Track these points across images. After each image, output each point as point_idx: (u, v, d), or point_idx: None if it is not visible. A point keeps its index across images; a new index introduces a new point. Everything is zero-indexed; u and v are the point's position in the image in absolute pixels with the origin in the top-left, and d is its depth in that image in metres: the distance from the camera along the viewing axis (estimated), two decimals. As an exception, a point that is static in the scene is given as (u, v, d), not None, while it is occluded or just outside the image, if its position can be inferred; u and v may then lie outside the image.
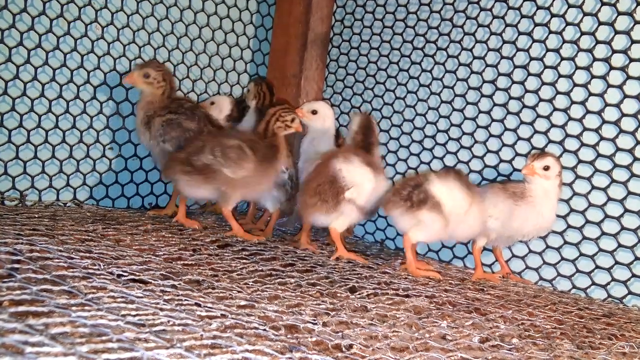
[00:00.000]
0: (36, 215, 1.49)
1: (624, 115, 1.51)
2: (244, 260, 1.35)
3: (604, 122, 1.54)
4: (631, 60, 1.50)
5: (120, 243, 1.32)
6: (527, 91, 1.69)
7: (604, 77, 1.55)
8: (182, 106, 1.72)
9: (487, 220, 1.53)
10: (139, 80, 1.67)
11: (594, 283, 1.56)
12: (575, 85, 1.60)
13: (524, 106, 1.70)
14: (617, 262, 1.52)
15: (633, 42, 1.49)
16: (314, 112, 1.76)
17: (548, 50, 1.65)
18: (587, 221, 1.57)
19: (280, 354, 0.80)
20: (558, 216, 1.61)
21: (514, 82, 1.72)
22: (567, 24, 1.61)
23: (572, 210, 1.60)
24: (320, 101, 1.96)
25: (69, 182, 1.79)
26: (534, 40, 1.68)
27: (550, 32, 1.64)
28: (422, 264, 1.61)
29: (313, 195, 1.54)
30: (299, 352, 0.82)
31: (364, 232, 2.09)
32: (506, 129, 1.74)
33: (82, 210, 1.72)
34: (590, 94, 1.57)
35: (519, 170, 1.70)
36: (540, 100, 1.67)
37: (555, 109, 1.64)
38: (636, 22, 1.49)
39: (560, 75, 1.63)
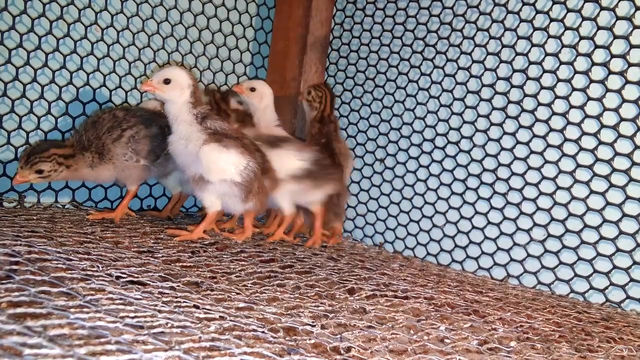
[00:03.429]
0: (35, 217, 1.49)
1: (622, 119, 1.51)
2: (243, 262, 1.35)
3: (603, 126, 1.55)
4: (630, 65, 1.50)
5: (119, 245, 1.32)
6: (525, 95, 1.70)
7: (602, 82, 1.55)
8: (125, 118, 1.65)
9: None
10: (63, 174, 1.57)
11: (592, 287, 1.56)
12: (573, 89, 1.61)
13: (523, 110, 1.70)
14: (615, 267, 1.52)
15: (632, 46, 1.50)
16: (252, 90, 1.82)
17: (547, 54, 1.66)
18: (586, 225, 1.57)
19: (278, 357, 0.80)
20: (557, 220, 1.62)
21: (512, 86, 1.73)
22: (566, 28, 1.62)
23: (570, 214, 1.60)
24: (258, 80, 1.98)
25: (68, 184, 1.79)
26: (533, 45, 1.68)
27: (550, 36, 1.65)
28: None
29: None
30: (298, 354, 0.82)
31: (363, 235, 2.09)
32: (505, 133, 1.74)
33: (80, 212, 1.71)
34: (589, 98, 1.57)
35: (518, 174, 1.71)
36: (539, 104, 1.67)
37: (553, 113, 1.64)
38: (635, 27, 1.50)
39: (559, 80, 1.63)
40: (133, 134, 1.62)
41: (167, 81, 1.50)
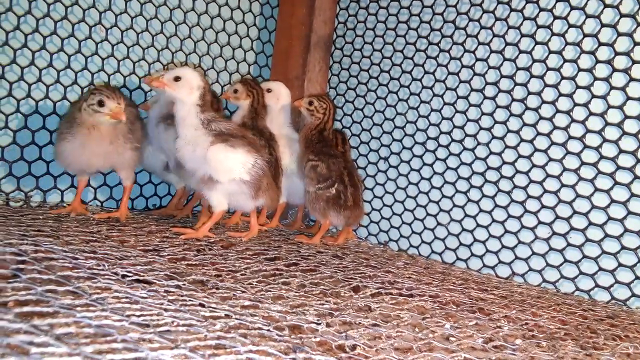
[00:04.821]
0: (41, 217, 1.50)
1: (626, 117, 1.51)
2: (248, 260, 1.35)
3: (607, 124, 1.54)
4: (634, 62, 1.50)
5: (125, 244, 1.33)
6: (529, 93, 1.70)
7: (606, 79, 1.55)
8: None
9: None
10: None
11: (597, 285, 1.55)
12: (577, 87, 1.60)
13: (527, 108, 1.70)
14: (620, 264, 1.51)
15: (635, 44, 1.49)
16: (269, 91, 1.87)
17: (550, 52, 1.65)
18: (590, 223, 1.57)
19: (284, 355, 0.80)
20: (561, 218, 1.62)
21: (516, 84, 1.72)
22: (570, 25, 1.61)
23: (575, 212, 1.60)
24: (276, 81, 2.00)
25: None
26: (537, 43, 1.68)
27: (553, 34, 1.64)
28: None
29: None
30: (303, 352, 0.83)
31: (367, 233, 2.09)
32: (509, 131, 1.74)
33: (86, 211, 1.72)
34: (593, 96, 1.57)
35: (522, 172, 1.70)
36: (543, 102, 1.67)
37: (557, 111, 1.64)
38: (639, 25, 1.49)
39: (562, 77, 1.63)
40: (129, 115, 1.58)
41: (177, 79, 1.51)
